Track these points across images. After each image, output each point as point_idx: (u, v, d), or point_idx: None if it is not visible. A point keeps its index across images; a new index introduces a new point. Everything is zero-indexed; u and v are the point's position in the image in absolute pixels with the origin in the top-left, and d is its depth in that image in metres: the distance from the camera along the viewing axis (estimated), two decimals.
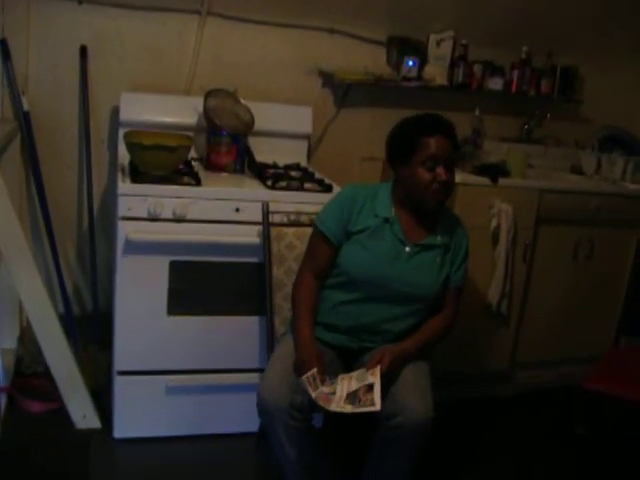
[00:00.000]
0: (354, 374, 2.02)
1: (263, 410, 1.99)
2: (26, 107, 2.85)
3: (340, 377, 2.02)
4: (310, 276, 2.23)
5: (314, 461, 2.11)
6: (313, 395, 1.92)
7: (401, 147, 2.16)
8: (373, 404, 1.88)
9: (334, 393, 1.95)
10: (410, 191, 2.16)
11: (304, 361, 2.03)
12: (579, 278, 3.34)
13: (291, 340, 2.18)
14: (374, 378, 1.96)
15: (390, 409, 1.96)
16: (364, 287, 2.16)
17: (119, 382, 2.57)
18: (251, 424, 2.44)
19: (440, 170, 2.09)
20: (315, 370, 1.98)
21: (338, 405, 1.90)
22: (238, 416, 2.65)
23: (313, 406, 1.97)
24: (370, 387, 1.93)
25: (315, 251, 2.24)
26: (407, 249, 2.16)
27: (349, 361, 2.21)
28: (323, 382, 1.98)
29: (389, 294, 2.15)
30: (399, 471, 2.07)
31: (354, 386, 1.96)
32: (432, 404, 1.99)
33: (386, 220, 2.17)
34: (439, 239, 2.20)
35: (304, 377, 1.95)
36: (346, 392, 1.95)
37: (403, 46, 3.36)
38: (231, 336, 2.62)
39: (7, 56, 2.81)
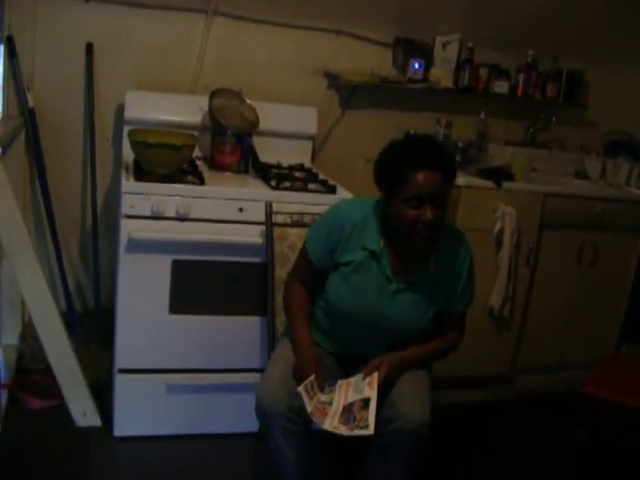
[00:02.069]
0: (352, 380, 2.01)
1: (261, 413, 1.99)
2: (31, 104, 2.86)
3: (338, 384, 2.01)
4: (299, 285, 2.21)
5: (312, 464, 2.10)
6: (309, 409, 1.89)
7: (386, 178, 2.00)
8: (367, 426, 1.85)
9: (331, 403, 1.94)
10: (395, 226, 2.02)
11: (302, 366, 2.01)
12: (582, 283, 3.33)
13: (289, 343, 2.17)
14: (371, 391, 1.94)
15: (388, 414, 1.96)
16: (349, 321, 2.12)
17: (120, 380, 2.57)
18: (251, 424, 2.43)
19: (424, 209, 1.92)
20: (313, 377, 1.96)
21: (332, 424, 1.88)
22: (238, 416, 2.65)
23: None
24: (366, 402, 1.91)
25: (302, 266, 2.21)
26: (393, 286, 2.06)
27: (348, 366, 2.20)
28: (322, 389, 1.98)
29: (374, 330, 2.10)
30: (396, 476, 2.06)
31: (351, 397, 1.95)
32: (429, 409, 1.98)
33: (373, 254, 2.06)
34: (431, 273, 2.07)
35: (302, 387, 1.93)
36: (342, 404, 1.93)
37: (409, 48, 3.35)
38: (232, 336, 2.62)
39: (13, 53, 2.81)
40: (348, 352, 2.20)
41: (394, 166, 1.96)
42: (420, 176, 1.91)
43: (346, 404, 1.93)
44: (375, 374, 1.98)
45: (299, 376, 1.99)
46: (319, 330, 2.22)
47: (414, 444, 1.98)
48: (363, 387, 1.97)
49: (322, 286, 2.17)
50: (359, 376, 2.02)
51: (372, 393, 1.93)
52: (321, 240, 2.12)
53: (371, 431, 1.85)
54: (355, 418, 1.89)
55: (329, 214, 2.17)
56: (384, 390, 1.98)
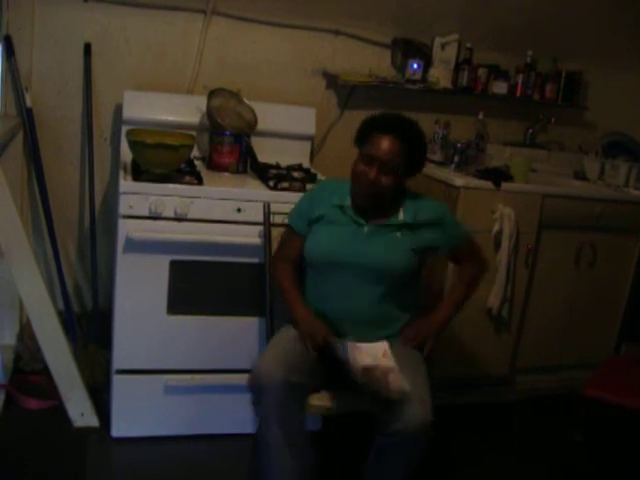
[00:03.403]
0: (363, 347, 2.02)
1: (256, 383, 1.99)
2: (29, 103, 2.85)
3: (349, 344, 2.02)
4: (281, 262, 2.31)
5: (302, 441, 2.06)
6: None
7: (358, 137, 2.20)
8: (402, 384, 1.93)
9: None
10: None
11: (312, 327, 2.09)
12: (581, 284, 3.33)
13: (287, 329, 2.21)
14: (389, 361, 1.97)
15: (388, 414, 1.95)
16: (330, 273, 2.19)
17: (118, 381, 2.56)
18: (249, 425, 2.44)
19: (371, 168, 2.09)
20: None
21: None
22: (236, 417, 2.65)
23: (307, 389, 2.04)
24: (388, 370, 1.95)
25: (285, 243, 2.33)
26: (365, 229, 2.19)
27: None
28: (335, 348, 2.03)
29: (359, 275, 2.16)
30: (398, 475, 2.06)
31: (367, 361, 1.96)
32: (431, 409, 1.98)
33: (341, 207, 2.21)
34: (401, 219, 2.20)
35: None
36: (362, 365, 1.95)
37: (408, 48, 3.35)
38: (230, 337, 2.61)
39: (11, 52, 2.81)
40: (342, 324, 2.20)
41: (367, 127, 2.17)
42: (383, 140, 2.09)
43: (366, 366, 1.95)
44: (387, 349, 2.00)
45: (312, 338, 2.07)
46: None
47: (416, 444, 1.98)
48: (378, 356, 1.99)
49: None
50: (370, 345, 2.04)
51: (392, 363, 1.97)
52: (300, 209, 2.29)
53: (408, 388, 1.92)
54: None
55: (306, 192, 2.39)
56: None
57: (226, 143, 2.82)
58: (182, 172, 2.60)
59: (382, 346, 2.02)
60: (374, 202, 2.17)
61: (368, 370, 1.93)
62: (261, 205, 2.46)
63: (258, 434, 2.07)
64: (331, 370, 2.11)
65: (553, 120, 3.68)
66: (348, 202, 2.21)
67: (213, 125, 2.87)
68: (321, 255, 2.20)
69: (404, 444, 1.97)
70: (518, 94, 3.52)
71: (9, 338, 3.00)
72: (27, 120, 2.87)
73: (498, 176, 3.04)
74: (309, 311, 2.19)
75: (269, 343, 2.22)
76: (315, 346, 2.07)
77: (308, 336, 2.10)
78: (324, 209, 2.22)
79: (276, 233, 2.44)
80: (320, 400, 2.13)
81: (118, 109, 3.01)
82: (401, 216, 2.21)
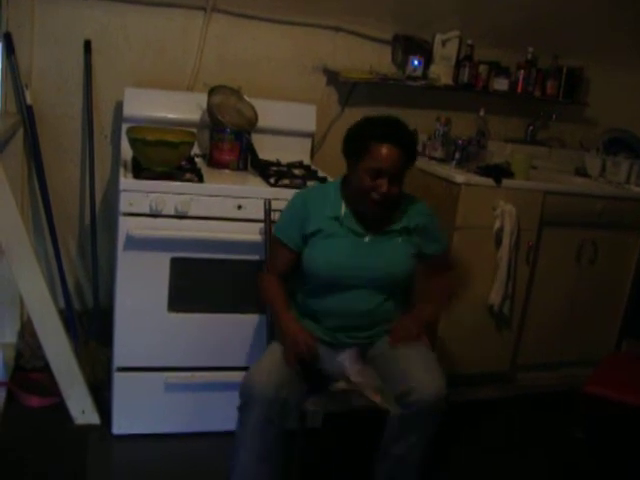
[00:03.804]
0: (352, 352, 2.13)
1: (246, 391, 2.00)
2: (29, 101, 2.85)
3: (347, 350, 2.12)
4: (270, 275, 2.26)
5: (278, 458, 2.07)
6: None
7: (352, 148, 2.13)
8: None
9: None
10: (352, 192, 2.15)
11: (298, 340, 2.05)
12: (582, 280, 3.33)
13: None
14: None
15: (403, 387, 1.98)
16: (335, 285, 2.16)
17: (119, 378, 2.56)
18: None
19: (382, 181, 2.05)
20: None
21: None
22: (236, 414, 2.64)
23: (295, 408, 2.04)
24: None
25: (276, 257, 2.27)
26: (366, 239, 2.16)
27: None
28: (317, 359, 2.08)
29: (360, 284, 2.15)
30: (413, 452, 2.07)
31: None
32: (444, 381, 2.01)
33: (337, 218, 2.16)
34: (398, 225, 2.18)
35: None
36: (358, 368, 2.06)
37: (408, 45, 3.34)
38: (231, 334, 2.61)
39: (11, 49, 2.80)
40: (340, 331, 2.21)
41: (362, 137, 2.09)
42: (384, 149, 2.03)
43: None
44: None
45: (295, 349, 2.04)
46: (306, 318, 2.23)
47: (432, 418, 2.00)
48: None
49: (298, 277, 2.24)
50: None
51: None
52: (291, 223, 2.21)
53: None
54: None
55: (290, 201, 2.28)
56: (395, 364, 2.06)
57: (226, 140, 2.81)
58: (182, 169, 2.60)
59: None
60: (386, 212, 2.15)
61: (361, 372, 2.00)
62: (262, 202, 2.46)
63: (235, 435, 2.07)
64: (323, 380, 2.14)
65: (554, 117, 3.68)
66: (343, 212, 2.17)
67: (213, 122, 2.86)
68: (328, 269, 2.15)
69: (419, 417, 1.98)
70: (519, 91, 3.52)
71: (10, 336, 3.00)
72: (27, 117, 2.86)
73: (499, 173, 3.04)
74: (296, 322, 2.15)
75: (267, 350, 2.20)
76: (299, 357, 2.05)
77: (293, 346, 2.06)
78: (320, 222, 2.16)
79: None
80: (317, 399, 2.14)
81: (118, 106, 3.00)
82: (398, 222, 2.19)
